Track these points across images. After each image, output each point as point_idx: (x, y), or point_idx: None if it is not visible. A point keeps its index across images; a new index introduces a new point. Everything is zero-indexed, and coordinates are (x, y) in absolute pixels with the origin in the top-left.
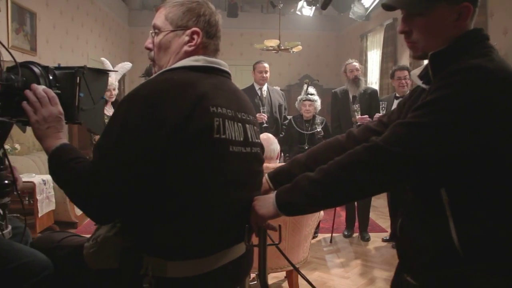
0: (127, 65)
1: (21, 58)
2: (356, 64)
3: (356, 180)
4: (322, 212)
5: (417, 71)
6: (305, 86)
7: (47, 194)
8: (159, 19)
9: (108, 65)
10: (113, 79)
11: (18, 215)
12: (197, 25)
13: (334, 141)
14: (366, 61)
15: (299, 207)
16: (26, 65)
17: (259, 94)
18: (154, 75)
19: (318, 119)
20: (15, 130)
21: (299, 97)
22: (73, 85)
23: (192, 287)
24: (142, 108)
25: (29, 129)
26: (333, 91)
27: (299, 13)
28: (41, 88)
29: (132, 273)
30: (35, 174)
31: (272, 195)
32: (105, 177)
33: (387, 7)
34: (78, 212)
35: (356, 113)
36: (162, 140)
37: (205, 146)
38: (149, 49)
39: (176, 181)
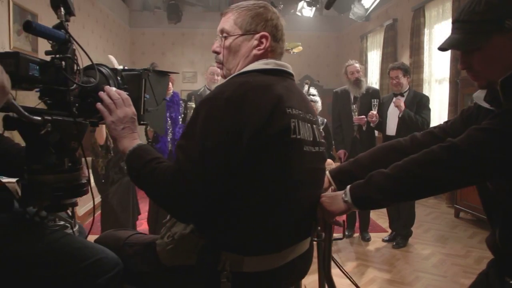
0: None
1: None
2: (357, 65)
3: (433, 177)
4: None
5: (481, 95)
6: (306, 87)
7: None
8: (228, 23)
9: (115, 62)
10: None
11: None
12: (265, 30)
13: (397, 144)
14: (366, 61)
15: (373, 201)
16: (95, 67)
17: None
18: (228, 78)
19: (319, 120)
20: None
21: None
22: (139, 87)
23: (265, 281)
24: (223, 110)
25: None
26: (334, 91)
27: (299, 13)
28: (114, 90)
29: (210, 269)
30: None
31: (340, 192)
32: (191, 177)
33: (444, 50)
34: (80, 212)
35: (353, 113)
36: (244, 141)
37: (283, 146)
38: (217, 53)
39: (255, 179)
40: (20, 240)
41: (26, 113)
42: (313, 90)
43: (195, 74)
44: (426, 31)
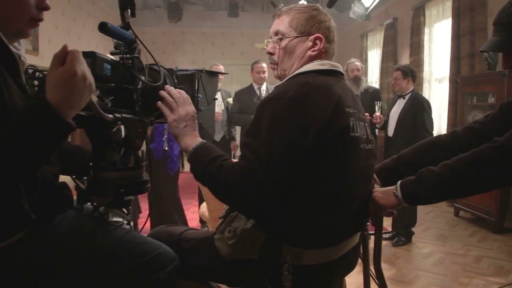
0: None
1: None
2: (358, 63)
3: (483, 176)
4: None
5: None
6: None
7: None
8: (283, 25)
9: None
10: None
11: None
12: (319, 31)
13: (437, 140)
14: (366, 60)
15: (423, 198)
16: (152, 67)
17: (258, 94)
18: (287, 78)
19: None
20: None
21: None
22: (192, 86)
23: (322, 273)
24: (288, 109)
25: None
26: None
27: None
28: (174, 89)
29: (272, 262)
30: None
31: (391, 188)
32: (259, 174)
33: (485, 52)
34: None
35: None
36: (309, 140)
37: (343, 144)
38: (271, 54)
39: (317, 176)
40: (87, 236)
41: (102, 111)
42: None
43: None
44: (426, 30)
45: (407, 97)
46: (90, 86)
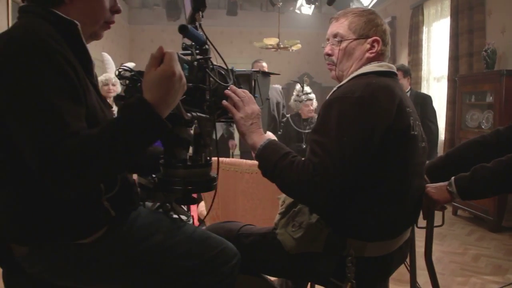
0: (129, 65)
1: None
2: None
3: None
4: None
5: None
6: (298, 86)
7: None
8: (342, 28)
9: (108, 59)
10: (112, 75)
11: None
12: (376, 34)
13: (483, 140)
14: None
15: (476, 192)
16: (228, 68)
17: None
18: (349, 79)
19: (316, 117)
20: None
21: (297, 98)
22: (249, 86)
23: (381, 264)
24: (355, 108)
25: None
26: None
27: (298, 11)
28: (238, 89)
29: (337, 255)
30: None
31: (444, 183)
32: (331, 170)
33: None
34: None
35: None
36: (376, 138)
37: (405, 142)
38: (330, 55)
39: (381, 173)
40: (162, 231)
41: (183, 110)
42: (307, 88)
43: None
44: (425, 29)
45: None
46: (184, 86)
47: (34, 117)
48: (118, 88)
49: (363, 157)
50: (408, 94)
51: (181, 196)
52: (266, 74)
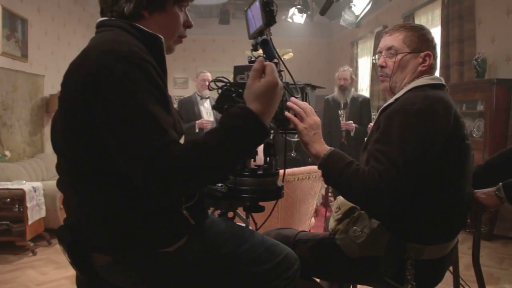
0: None
1: (12, 64)
2: (347, 72)
3: None
4: (313, 219)
5: None
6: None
7: (37, 202)
8: (397, 41)
9: None
10: None
11: (7, 222)
12: (428, 49)
13: None
14: (357, 67)
15: None
16: (296, 83)
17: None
18: (406, 91)
19: None
20: (5, 136)
21: None
22: (302, 98)
23: (436, 266)
24: (416, 119)
25: (18, 135)
26: (325, 98)
27: (290, 20)
28: (299, 101)
29: (397, 258)
30: (25, 182)
31: (492, 189)
32: (395, 178)
33: None
34: None
35: (341, 119)
36: (437, 147)
37: (461, 150)
38: (383, 67)
39: (440, 181)
40: (234, 239)
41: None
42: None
43: (186, 80)
44: None
45: None
46: (281, 96)
47: (136, 125)
48: None
49: (424, 165)
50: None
51: (249, 204)
52: (313, 87)
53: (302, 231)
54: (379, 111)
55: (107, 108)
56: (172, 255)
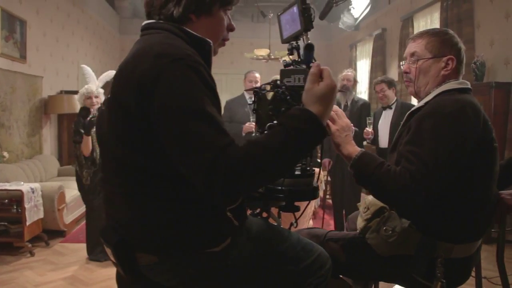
0: (111, 73)
1: (10, 66)
2: (350, 74)
3: None
4: (311, 221)
5: None
6: None
7: (35, 203)
8: (419, 47)
9: (88, 71)
10: (93, 87)
11: (5, 223)
12: (451, 53)
13: None
14: (355, 70)
15: None
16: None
17: (249, 103)
18: (434, 96)
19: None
20: (4, 137)
21: None
22: None
23: (464, 264)
24: (447, 123)
25: (16, 137)
26: None
27: None
28: None
29: (428, 256)
30: (23, 183)
31: None
32: (426, 178)
33: None
34: (67, 220)
35: None
36: (467, 149)
37: (489, 152)
38: (407, 72)
39: (470, 181)
40: (273, 238)
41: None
42: None
43: None
44: None
45: (393, 106)
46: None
47: (197, 127)
48: (101, 100)
49: (455, 166)
50: (394, 105)
51: (286, 204)
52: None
53: (331, 230)
54: (407, 115)
55: (165, 111)
56: (218, 255)
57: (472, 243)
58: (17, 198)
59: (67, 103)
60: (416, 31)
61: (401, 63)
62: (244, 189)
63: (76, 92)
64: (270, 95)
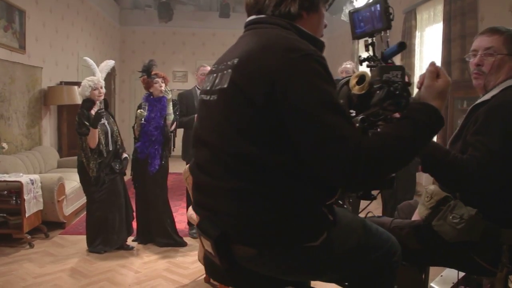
0: (110, 63)
1: (9, 56)
2: (347, 66)
3: None
4: None
5: None
6: None
7: (34, 194)
8: (496, 42)
9: (91, 63)
10: (99, 77)
11: (5, 215)
12: None
13: None
14: (357, 63)
15: None
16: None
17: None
18: (499, 90)
19: None
20: (3, 128)
21: None
22: None
23: None
24: None
25: (15, 128)
26: None
27: None
28: None
29: (493, 242)
30: (23, 174)
31: None
32: (492, 167)
33: None
34: (67, 212)
35: None
36: None
37: None
38: (479, 65)
39: None
40: (358, 229)
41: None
42: None
43: (185, 74)
44: (418, 33)
45: None
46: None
47: (335, 118)
48: (104, 91)
49: None
50: None
51: (363, 193)
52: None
53: (395, 218)
54: (470, 108)
55: (302, 104)
56: (316, 248)
57: None
58: (17, 190)
59: (66, 94)
60: (419, 24)
61: (466, 55)
62: (381, 176)
63: (76, 83)
64: (355, 89)
